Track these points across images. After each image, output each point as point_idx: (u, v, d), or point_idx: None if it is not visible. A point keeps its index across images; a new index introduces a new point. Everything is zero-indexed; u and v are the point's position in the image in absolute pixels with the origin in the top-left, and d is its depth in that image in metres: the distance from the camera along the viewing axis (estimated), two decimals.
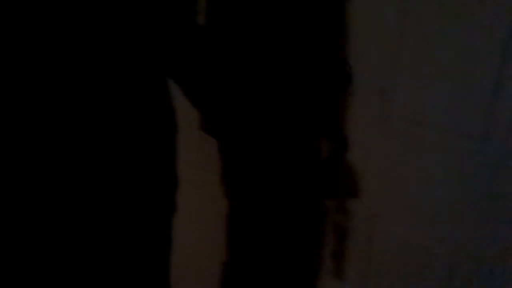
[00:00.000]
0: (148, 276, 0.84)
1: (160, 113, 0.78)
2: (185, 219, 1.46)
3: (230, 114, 0.94)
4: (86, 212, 0.72)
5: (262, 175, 1.29)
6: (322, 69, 1.17)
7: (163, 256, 0.90)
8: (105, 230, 0.74)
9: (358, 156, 1.23)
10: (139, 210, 0.78)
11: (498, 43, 0.96)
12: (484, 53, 0.99)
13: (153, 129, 0.76)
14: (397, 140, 1.16)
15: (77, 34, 0.63)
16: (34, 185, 0.67)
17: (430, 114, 1.09)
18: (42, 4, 0.61)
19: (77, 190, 0.70)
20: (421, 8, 1.05)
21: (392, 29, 1.09)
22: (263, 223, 1.36)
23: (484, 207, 1.07)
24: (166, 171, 0.83)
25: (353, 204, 1.30)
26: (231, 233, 1.41)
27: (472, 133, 1.04)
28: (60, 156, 0.67)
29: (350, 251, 1.36)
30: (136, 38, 0.68)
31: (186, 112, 0.94)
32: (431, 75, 1.07)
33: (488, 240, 1.09)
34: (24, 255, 0.71)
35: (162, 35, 0.73)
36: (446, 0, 1.01)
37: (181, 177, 1.23)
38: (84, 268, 0.75)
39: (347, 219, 1.33)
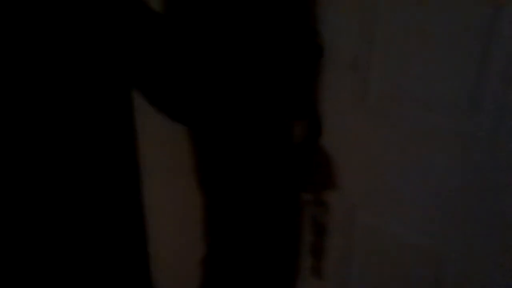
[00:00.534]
0: (128, 272, 0.85)
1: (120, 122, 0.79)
2: (160, 214, 1.38)
3: (196, 104, 0.84)
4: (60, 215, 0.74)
5: (234, 163, 1.20)
6: (288, 40, 1.03)
7: (140, 252, 0.90)
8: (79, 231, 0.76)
9: (332, 140, 1.10)
10: (107, 213, 0.80)
11: (486, 8, 0.81)
12: (470, 19, 0.84)
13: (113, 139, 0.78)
14: (375, 120, 1.02)
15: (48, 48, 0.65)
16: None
17: (410, 90, 0.95)
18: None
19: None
20: None
21: None
22: (238, 216, 1.28)
23: (476, 195, 0.93)
24: (127, 171, 0.84)
25: (330, 195, 1.17)
26: (207, 228, 1.34)
27: (459, 110, 0.90)
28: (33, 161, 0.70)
29: (330, 247, 1.23)
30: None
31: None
32: (410, 46, 0.92)
33: (480, 234, 0.94)
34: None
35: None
36: None
37: (155, 170, 1.15)
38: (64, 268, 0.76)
39: (324, 213, 1.19)
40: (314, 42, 1.02)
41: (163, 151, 1.31)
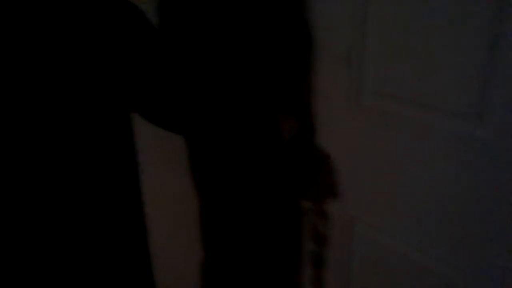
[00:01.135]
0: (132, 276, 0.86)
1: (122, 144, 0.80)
2: (161, 215, 1.33)
3: (189, 113, 0.80)
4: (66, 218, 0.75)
5: (225, 161, 1.16)
6: (276, 31, 0.93)
7: (142, 259, 0.90)
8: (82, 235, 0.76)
9: (324, 143, 0.99)
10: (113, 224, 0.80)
11: None
12: (477, 8, 0.71)
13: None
14: (370, 120, 0.91)
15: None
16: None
17: (409, 88, 0.84)
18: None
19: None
20: None
21: None
22: (232, 219, 1.25)
23: (483, 207, 0.80)
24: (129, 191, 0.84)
25: (329, 205, 1.06)
26: (202, 232, 1.32)
27: (464, 111, 0.78)
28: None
29: (329, 259, 1.12)
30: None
31: None
32: (408, 38, 0.80)
33: (489, 252, 0.82)
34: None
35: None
36: None
37: (155, 170, 1.12)
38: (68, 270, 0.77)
39: (325, 222, 1.09)
40: (303, 32, 0.92)
41: (162, 151, 1.25)
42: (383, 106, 0.88)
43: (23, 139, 0.69)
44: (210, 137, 0.89)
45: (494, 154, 0.75)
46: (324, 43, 0.90)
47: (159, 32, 0.74)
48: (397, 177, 0.91)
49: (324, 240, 1.10)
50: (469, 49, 0.73)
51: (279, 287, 1.28)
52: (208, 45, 0.98)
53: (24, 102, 0.68)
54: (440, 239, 0.88)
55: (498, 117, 0.73)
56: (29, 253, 0.74)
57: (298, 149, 1.04)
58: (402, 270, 0.98)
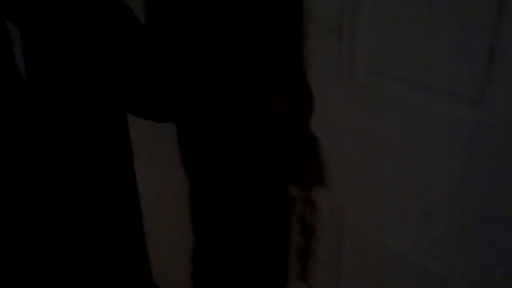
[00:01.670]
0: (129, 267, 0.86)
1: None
2: (156, 207, 1.28)
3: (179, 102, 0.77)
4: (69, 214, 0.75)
5: (211, 143, 1.12)
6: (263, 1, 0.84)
7: (138, 249, 0.90)
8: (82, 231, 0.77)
9: (313, 124, 0.91)
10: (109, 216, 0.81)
11: None
12: None
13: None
14: (363, 100, 0.82)
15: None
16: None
17: (405, 66, 0.74)
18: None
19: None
20: None
21: None
22: (222, 206, 1.22)
23: (482, 199, 0.71)
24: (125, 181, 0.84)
25: (318, 193, 0.98)
26: (193, 220, 1.29)
27: (466, 95, 0.69)
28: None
29: (317, 251, 1.05)
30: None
31: None
32: (406, 9, 0.71)
33: (489, 246, 0.73)
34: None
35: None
36: None
37: (144, 165, 1.12)
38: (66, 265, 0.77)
39: (312, 211, 1.01)
40: (290, 2, 0.83)
41: (153, 142, 1.19)
42: (377, 84, 0.79)
43: (25, 137, 0.70)
44: (197, 121, 0.89)
45: (496, 141, 0.66)
46: (311, 13, 0.81)
47: (147, 29, 0.71)
48: (391, 163, 0.82)
49: (312, 230, 1.02)
50: (473, 27, 0.64)
51: (267, 276, 1.22)
52: (192, 22, 0.92)
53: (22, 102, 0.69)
54: (436, 233, 0.80)
55: (502, 103, 0.64)
56: (28, 250, 0.74)
57: (286, 130, 0.96)
58: (394, 264, 0.90)
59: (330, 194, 0.93)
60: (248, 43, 0.86)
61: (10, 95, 0.68)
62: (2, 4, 0.63)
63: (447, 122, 0.72)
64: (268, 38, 0.85)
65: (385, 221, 0.87)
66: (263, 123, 0.98)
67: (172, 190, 1.29)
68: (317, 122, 0.90)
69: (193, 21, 0.96)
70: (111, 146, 0.75)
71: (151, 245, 0.87)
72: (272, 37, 0.85)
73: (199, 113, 0.79)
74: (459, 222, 0.74)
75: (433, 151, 0.75)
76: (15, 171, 0.70)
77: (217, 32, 0.89)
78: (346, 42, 0.79)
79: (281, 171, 1.04)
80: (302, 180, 1.00)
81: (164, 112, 0.75)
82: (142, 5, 1.06)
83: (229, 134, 1.07)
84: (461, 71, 0.67)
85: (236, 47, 0.86)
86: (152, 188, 1.27)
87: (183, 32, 0.99)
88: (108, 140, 0.74)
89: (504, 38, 0.61)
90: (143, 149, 0.87)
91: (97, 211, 0.76)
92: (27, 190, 0.71)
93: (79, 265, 0.75)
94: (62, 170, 0.71)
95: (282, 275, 1.15)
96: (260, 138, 1.02)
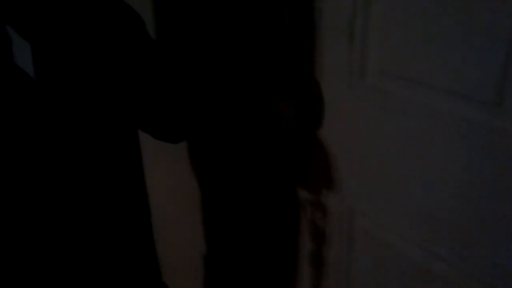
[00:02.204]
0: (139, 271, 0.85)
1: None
2: (166, 208, 1.27)
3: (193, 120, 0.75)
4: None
5: (227, 154, 1.10)
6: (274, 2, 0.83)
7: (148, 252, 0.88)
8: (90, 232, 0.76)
9: (323, 126, 0.89)
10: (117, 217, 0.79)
11: None
12: None
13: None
14: (374, 102, 0.80)
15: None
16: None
17: (419, 67, 0.72)
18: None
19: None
20: None
21: None
22: (232, 211, 1.20)
23: (501, 204, 0.69)
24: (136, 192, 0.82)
25: (328, 196, 0.96)
26: (204, 224, 1.29)
27: (481, 98, 0.66)
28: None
29: (329, 257, 1.03)
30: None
31: None
32: (420, 9, 0.69)
33: (505, 255, 0.71)
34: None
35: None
36: None
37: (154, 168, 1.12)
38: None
39: (323, 216, 0.99)
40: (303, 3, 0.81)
41: (164, 145, 1.18)
42: (389, 86, 0.77)
43: (34, 137, 0.69)
44: (210, 135, 0.87)
45: None
46: (323, 13, 0.79)
47: (157, 43, 0.70)
48: (403, 166, 0.80)
49: (324, 236, 1.00)
50: (490, 27, 0.62)
51: (277, 282, 1.20)
52: (203, 32, 0.91)
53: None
54: (450, 238, 0.78)
55: None
56: (38, 244, 0.73)
57: (295, 133, 0.94)
58: (407, 270, 0.87)
59: (341, 197, 0.92)
60: (258, 50, 0.84)
61: (14, 96, 0.67)
62: (10, 17, 0.63)
63: (462, 125, 0.70)
64: (278, 43, 0.84)
65: (397, 225, 0.85)
66: (272, 126, 0.96)
67: (181, 191, 1.28)
68: (327, 125, 0.88)
69: (201, 30, 0.95)
70: (120, 146, 0.74)
71: (161, 248, 0.86)
72: (282, 41, 0.84)
73: (211, 128, 0.78)
74: (476, 227, 0.72)
75: (445, 155, 0.73)
76: (25, 170, 0.70)
77: (226, 38, 0.88)
78: (358, 44, 0.77)
79: (290, 174, 1.02)
80: (312, 184, 0.98)
81: (175, 127, 0.73)
82: (150, 8, 1.06)
83: (238, 138, 1.06)
84: (477, 73, 0.65)
85: (246, 55, 0.84)
86: (162, 189, 1.26)
87: (192, 43, 0.97)
88: (117, 140, 0.73)
89: None
90: (152, 150, 0.86)
91: (106, 211, 0.75)
92: (36, 189, 0.71)
93: (88, 263, 0.76)
94: (72, 170, 0.70)
95: (292, 280, 1.13)
96: (269, 142, 1.00)
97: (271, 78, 0.88)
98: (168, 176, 1.23)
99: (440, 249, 0.78)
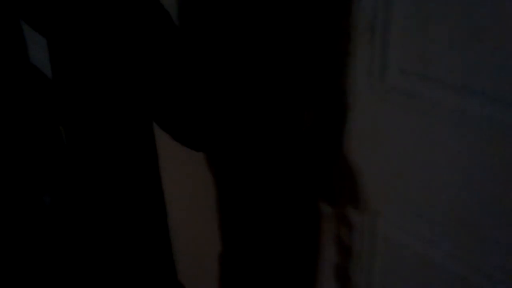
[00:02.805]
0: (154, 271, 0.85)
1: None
2: (181, 209, 1.27)
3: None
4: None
5: (245, 161, 1.09)
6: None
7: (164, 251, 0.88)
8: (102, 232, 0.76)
9: (343, 131, 0.86)
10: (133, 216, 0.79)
11: None
12: None
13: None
14: (396, 103, 0.77)
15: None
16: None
17: (443, 66, 0.70)
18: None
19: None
20: None
21: None
22: (247, 213, 1.19)
23: None
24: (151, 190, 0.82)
25: (352, 209, 0.93)
26: (220, 225, 1.28)
27: (510, 96, 0.64)
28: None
29: (355, 272, 0.99)
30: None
31: None
32: (445, 4, 0.67)
33: None
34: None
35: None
36: None
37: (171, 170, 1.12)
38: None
39: (348, 230, 0.96)
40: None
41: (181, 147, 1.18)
42: (412, 86, 0.75)
43: (49, 134, 0.70)
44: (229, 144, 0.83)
45: None
46: (343, 9, 0.77)
47: (184, 36, 0.69)
48: (429, 171, 0.77)
49: (350, 252, 0.96)
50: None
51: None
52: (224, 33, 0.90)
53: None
54: (481, 246, 0.74)
55: None
56: (54, 243, 0.74)
57: (315, 141, 0.92)
58: (437, 282, 0.84)
59: (363, 203, 0.89)
60: (277, 55, 0.83)
61: (30, 95, 0.67)
62: (28, 12, 0.63)
63: (488, 127, 0.67)
64: (295, 44, 0.83)
65: (422, 233, 0.81)
66: (292, 133, 0.94)
67: (199, 195, 1.28)
68: (348, 129, 0.86)
69: (220, 33, 0.94)
70: (136, 146, 0.73)
71: (177, 247, 0.86)
72: (299, 42, 0.82)
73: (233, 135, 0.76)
74: (506, 233, 0.68)
75: (472, 158, 0.70)
76: (42, 169, 0.70)
77: (248, 43, 0.87)
78: (379, 43, 0.75)
79: (310, 183, 1.00)
80: (334, 195, 0.95)
81: (199, 130, 0.71)
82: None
83: (257, 146, 1.04)
84: (506, 73, 0.62)
85: (267, 60, 0.84)
86: (179, 189, 1.25)
87: (210, 43, 0.97)
88: (134, 140, 0.72)
89: None
90: (170, 150, 0.86)
91: (122, 210, 0.74)
92: (51, 186, 0.71)
93: (105, 262, 0.75)
94: (88, 169, 0.69)
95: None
96: (288, 149, 0.98)
97: (292, 84, 0.87)
98: (186, 177, 1.22)
99: (474, 258, 0.75)
